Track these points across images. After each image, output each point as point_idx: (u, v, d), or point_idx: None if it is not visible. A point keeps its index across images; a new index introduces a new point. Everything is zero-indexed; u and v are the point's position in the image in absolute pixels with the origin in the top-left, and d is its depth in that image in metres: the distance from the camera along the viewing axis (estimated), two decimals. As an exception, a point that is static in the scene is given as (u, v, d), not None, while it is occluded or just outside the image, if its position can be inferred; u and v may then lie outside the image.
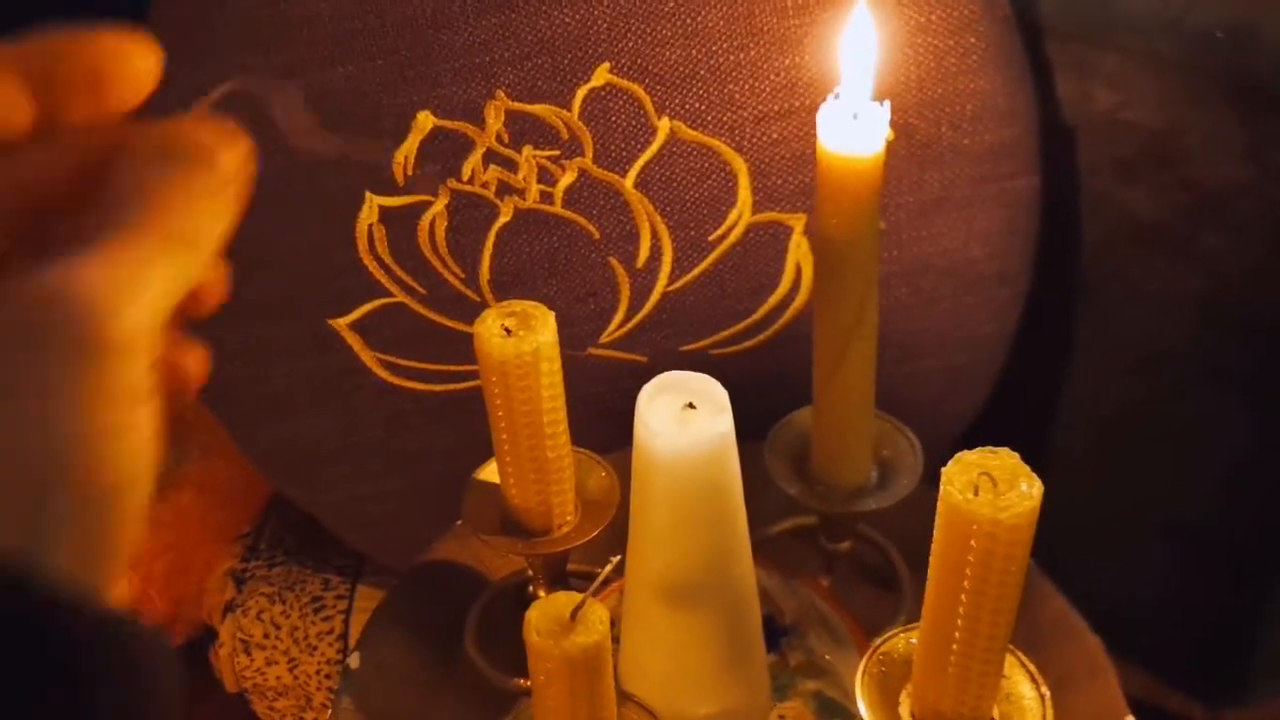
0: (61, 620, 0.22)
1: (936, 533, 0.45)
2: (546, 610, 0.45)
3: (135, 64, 0.28)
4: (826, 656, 0.62)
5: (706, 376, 0.53)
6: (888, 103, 0.51)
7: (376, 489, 0.82)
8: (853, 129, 0.51)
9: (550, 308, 0.55)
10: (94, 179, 0.27)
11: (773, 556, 0.67)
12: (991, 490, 0.43)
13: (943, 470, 0.44)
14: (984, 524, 0.43)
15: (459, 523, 0.74)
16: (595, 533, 0.60)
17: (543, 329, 0.55)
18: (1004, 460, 0.44)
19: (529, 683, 0.48)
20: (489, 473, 0.63)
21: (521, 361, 0.54)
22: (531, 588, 0.70)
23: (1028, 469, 0.44)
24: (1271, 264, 0.74)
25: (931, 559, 0.46)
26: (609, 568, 0.46)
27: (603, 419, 0.76)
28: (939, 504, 0.45)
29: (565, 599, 0.45)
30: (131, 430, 0.25)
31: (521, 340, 0.54)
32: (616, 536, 0.61)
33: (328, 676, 0.87)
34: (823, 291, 0.57)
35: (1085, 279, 0.81)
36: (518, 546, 0.60)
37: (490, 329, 0.55)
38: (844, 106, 0.52)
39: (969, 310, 0.76)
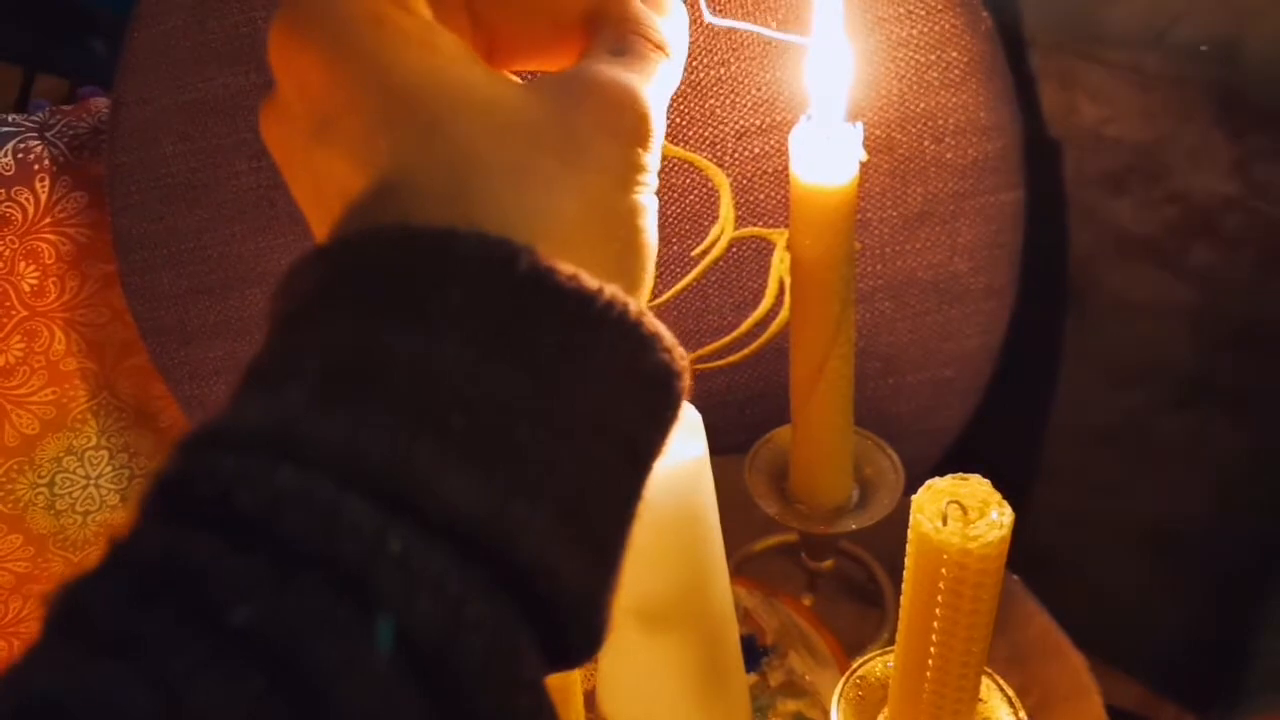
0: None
1: (908, 560, 0.45)
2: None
3: None
4: (807, 677, 0.61)
5: (680, 400, 0.52)
6: (861, 123, 0.51)
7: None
8: (826, 150, 0.51)
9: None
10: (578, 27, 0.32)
11: (755, 575, 0.66)
12: (961, 519, 0.43)
13: (912, 499, 0.44)
14: (953, 553, 0.42)
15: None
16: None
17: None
18: (974, 488, 0.44)
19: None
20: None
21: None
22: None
23: (999, 496, 0.43)
24: (1259, 277, 0.74)
25: (904, 586, 0.46)
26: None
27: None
28: (909, 532, 0.44)
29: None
30: (652, 210, 0.30)
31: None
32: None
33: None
34: (800, 311, 0.56)
35: (1073, 292, 0.81)
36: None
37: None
38: (816, 128, 0.51)
39: (954, 324, 0.76)
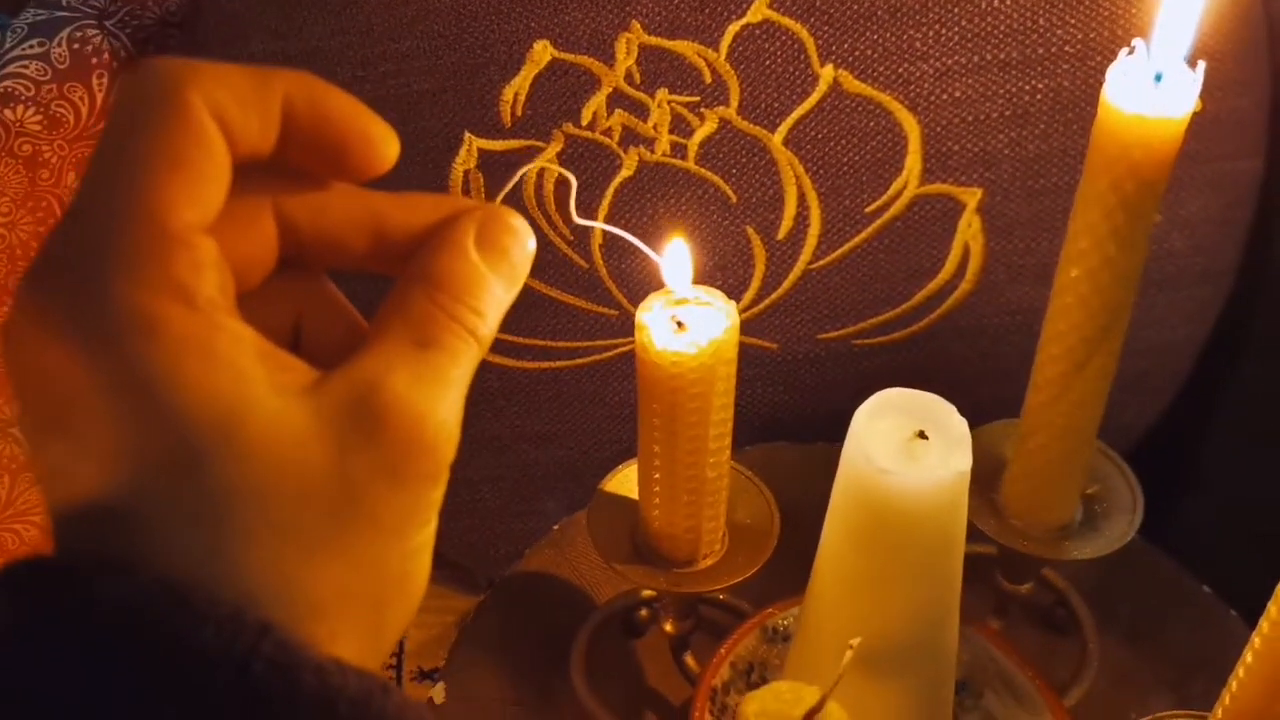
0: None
1: None
2: (769, 706, 0.34)
3: (379, 150, 0.28)
4: (1019, 728, 0.52)
5: (941, 400, 0.42)
6: (1202, 65, 0.40)
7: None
8: (1152, 95, 0.40)
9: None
10: (408, 248, 0.29)
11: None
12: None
13: None
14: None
15: (556, 527, 0.64)
16: (753, 571, 0.50)
17: (723, 325, 0.44)
18: None
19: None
20: (620, 484, 0.53)
21: (698, 365, 0.44)
22: (645, 612, 0.59)
23: None
24: None
25: None
26: (850, 654, 0.35)
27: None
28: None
29: (789, 691, 0.35)
30: (427, 544, 0.27)
31: (698, 338, 0.43)
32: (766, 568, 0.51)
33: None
34: (1068, 289, 0.46)
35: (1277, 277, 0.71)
36: (660, 581, 0.50)
37: (656, 322, 0.44)
38: (1144, 66, 0.40)
39: (1161, 310, 0.65)
